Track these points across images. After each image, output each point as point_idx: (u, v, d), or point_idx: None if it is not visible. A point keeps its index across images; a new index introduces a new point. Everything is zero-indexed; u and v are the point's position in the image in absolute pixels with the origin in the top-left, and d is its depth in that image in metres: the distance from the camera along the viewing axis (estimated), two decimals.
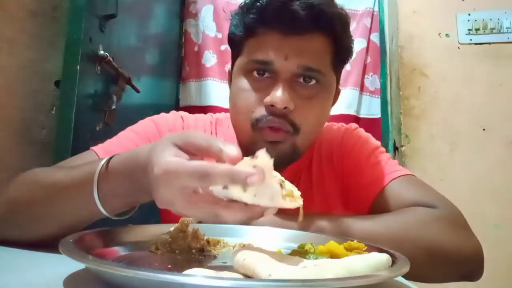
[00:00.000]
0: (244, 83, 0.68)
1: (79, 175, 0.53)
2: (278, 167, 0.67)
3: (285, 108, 0.64)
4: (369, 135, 0.80)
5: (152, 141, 0.71)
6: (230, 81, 0.76)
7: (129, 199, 0.51)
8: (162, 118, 0.79)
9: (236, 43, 0.72)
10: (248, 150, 0.65)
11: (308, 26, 0.65)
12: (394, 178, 0.69)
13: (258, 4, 0.66)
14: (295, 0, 0.63)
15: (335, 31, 0.68)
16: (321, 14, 0.65)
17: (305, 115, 0.66)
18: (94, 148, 0.70)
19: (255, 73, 0.67)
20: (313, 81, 0.67)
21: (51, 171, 0.59)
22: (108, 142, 0.73)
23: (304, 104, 0.66)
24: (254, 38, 0.68)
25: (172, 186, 0.39)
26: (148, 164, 0.42)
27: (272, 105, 0.64)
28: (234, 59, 0.73)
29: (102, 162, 0.50)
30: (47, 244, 0.55)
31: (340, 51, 0.70)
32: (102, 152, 0.69)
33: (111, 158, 0.51)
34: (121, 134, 0.75)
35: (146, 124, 0.77)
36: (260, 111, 0.65)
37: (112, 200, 0.50)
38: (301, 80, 0.66)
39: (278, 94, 0.63)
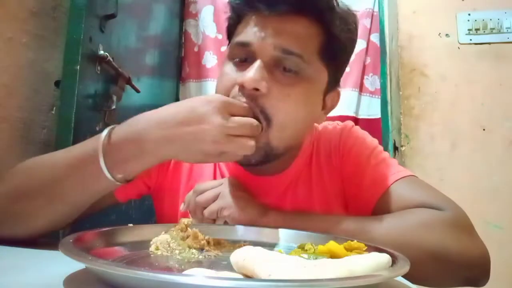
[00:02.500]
0: (227, 67, 0.66)
1: (81, 149, 0.58)
2: (252, 165, 0.67)
3: (256, 90, 0.59)
4: (365, 133, 0.78)
5: None
6: None
7: (135, 164, 0.56)
8: None
9: (229, 34, 0.71)
10: None
11: (289, 7, 0.62)
12: (397, 180, 0.68)
13: None
14: None
15: (322, 15, 0.64)
16: None
17: (279, 103, 0.61)
18: None
19: (236, 56, 0.65)
20: (295, 69, 0.62)
21: (49, 155, 0.61)
22: None
23: (281, 91, 0.61)
24: (240, 23, 0.67)
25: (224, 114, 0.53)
26: (198, 117, 0.53)
27: (243, 86, 0.60)
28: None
29: (105, 132, 0.55)
30: (54, 231, 0.61)
31: (330, 40, 0.65)
32: None
33: (112, 128, 0.56)
34: None
35: None
36: (234, 92, 0.62)
37: (118, 168, 0.55)
38: (282, 65, 0.62)
39: (248, 74, 0.59)
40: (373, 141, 0.76)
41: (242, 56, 0.64)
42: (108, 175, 0.54)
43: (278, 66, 0.62)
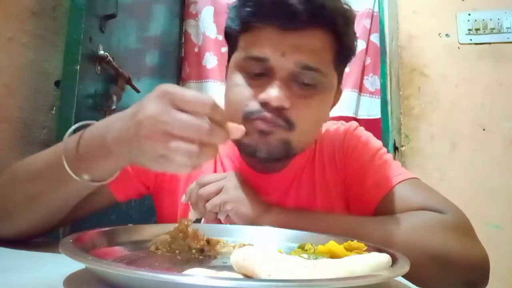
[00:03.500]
0: (239, 79, 0.65)
1: (53, 150, 0.55)
2: (269, 162, 0.68)
3: (280, 106, 0.61)
4: (370, 134, 0.79)
5: None
6: (226, 77, 0.74)
7: (103, 163, 0.50)
8: None
9: (232, 38, 0.69)
10: (238, 142, 0.65)
11: (307, 21, 0.61)
12: (401, 181, 0.68)
13: None
14: None
15: (337, 27, 0.64)
16: (322, 9, 0.61)
17: (302, 114, 0.63)
18: None
19: (251, 70, 0.64)
20: (313, 82, 0.63)
21: (32, 156, 0.60)
22: None
23: (301, 104, 0.63)
24: (250, 33, 0.65)
25: (158, 124, 0.40)
26: (141, 107, 0.42)
27: (267, 103, 0.61)
28: (230, 53, 0.71)
29: (69, 130, 0.52)
30: (38, 235, 0.59)
31: (343, 49, 0.67)
32: None
33: (85, 128, 0.52)
34: None
35: None
36: (254, 106, 0.62)
37: (87, 168, 0.50)
38: (300, 80, 0.63)
39: (273, 92, 0.61)
40: (377, 142, 0.76)
41: (257, 71, 0.64)
42: (74, 176, 0.50)
43: (296, 80, 0.63)
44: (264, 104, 0.62)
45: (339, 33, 0.65)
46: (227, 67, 0.74)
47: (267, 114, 0.61)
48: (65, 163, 0.50)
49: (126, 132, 0.44)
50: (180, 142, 0.40)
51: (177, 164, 0.41)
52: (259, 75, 0.64)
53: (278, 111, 0.62)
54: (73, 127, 0.52)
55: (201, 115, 0.41)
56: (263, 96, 0.61)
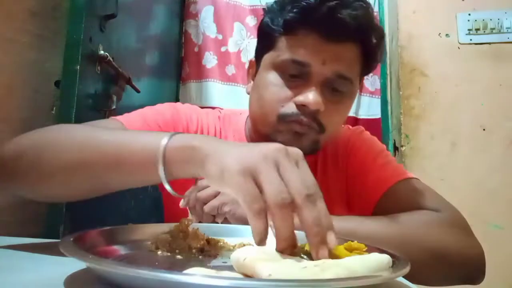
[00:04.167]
0: (274, 78, 0.68)
1: (136, 144, 0.49)
2: None
3: (316, 110, 0.65)
4: (374, 137, 0.82)
5: (163, 127, 0.73)
6: (250, 71, 0.77)
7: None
8: (182, 107, 0.81)
9: (268, 36, 0.71)
10: (270, 139, 0.66)
11: (350, 35, 0.66)
12: (400, 180, 0.70)
13: (304, 4, 0.65)
14: (343, 8, 0.63)
15: (369, 43, 0.69)
16: (362, 25, 0.66)
17: (331, 118, 0.68)
18: (118, 118, 0.71)
19: (287, 71, 0.67)
20: (343, 89, 0.68)
21: (91, 132, 0.53)
22: (128, 115, 0.74)
23: (332, 108, 0.67)
24: (293, 36, 0.68)
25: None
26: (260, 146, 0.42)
27: (304, 105, 0.65)
28: (262, 50, 0.73)
29: (167, 137, 0.46)
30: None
31: (370, 62, 0.72)
32: (127, 123, 0.70)
33: (173, 135, 0.47)
34: (142, 111, 0.76)
35: (167, 108, 0.78)
36: (290, 107, 0.66)
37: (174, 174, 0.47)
38: (331, 86, 0.67)
39: (311, 96, 0.65)
40: (381, 145, 0.80)
41: (294, 72, 0.67)
42: (168, 187, 0.48)
43: (328, 86, 0.67)
44: (301, 107, 0.65)
45: (370, 48, 0.70)
46: (252, 62, 0.76)
47: (304, 118, 0.66)
48: (161, 171, 0.46)
49: (234, 146, 0.43)
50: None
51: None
52: (294, 76, 0.67)
53: (313, 114, 0.66)
54: (170, 134, 0.47)
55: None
56: (302, 99, 0.65)
